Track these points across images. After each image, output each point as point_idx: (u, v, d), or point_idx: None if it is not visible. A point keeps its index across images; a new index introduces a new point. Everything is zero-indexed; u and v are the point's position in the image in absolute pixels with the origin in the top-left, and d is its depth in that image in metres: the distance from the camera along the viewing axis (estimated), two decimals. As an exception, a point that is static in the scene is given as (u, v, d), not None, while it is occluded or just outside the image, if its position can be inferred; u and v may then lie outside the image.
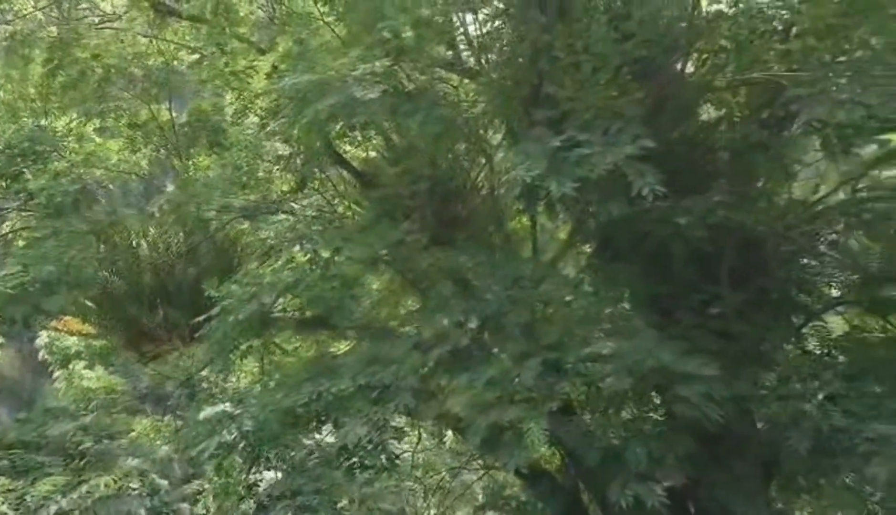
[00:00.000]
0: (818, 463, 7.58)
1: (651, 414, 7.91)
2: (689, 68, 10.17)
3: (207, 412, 8.14)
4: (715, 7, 9.52)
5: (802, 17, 8.53)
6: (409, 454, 12.29)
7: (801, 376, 8.01)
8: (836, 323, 9.83)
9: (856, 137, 7.08)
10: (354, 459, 7.69)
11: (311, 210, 10.04)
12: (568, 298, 9.37)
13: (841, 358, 8.67)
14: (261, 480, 11.32)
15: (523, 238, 10.64)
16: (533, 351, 7.55)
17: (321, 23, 8.55)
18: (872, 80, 6.97)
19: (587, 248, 10.75)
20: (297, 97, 7.66)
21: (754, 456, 8.02)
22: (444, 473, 13.09)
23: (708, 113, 11.08)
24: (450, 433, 12.26)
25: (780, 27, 9.23)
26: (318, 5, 8.43)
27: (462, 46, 10.38)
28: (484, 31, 10.08)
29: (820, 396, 7.62)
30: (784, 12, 9.03)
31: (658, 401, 7.88)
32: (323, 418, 8.19)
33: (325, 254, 8.62)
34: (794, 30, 9.20)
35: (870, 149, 8.00)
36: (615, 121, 7.76)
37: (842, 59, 7.73)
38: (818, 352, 9.11)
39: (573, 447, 7.54)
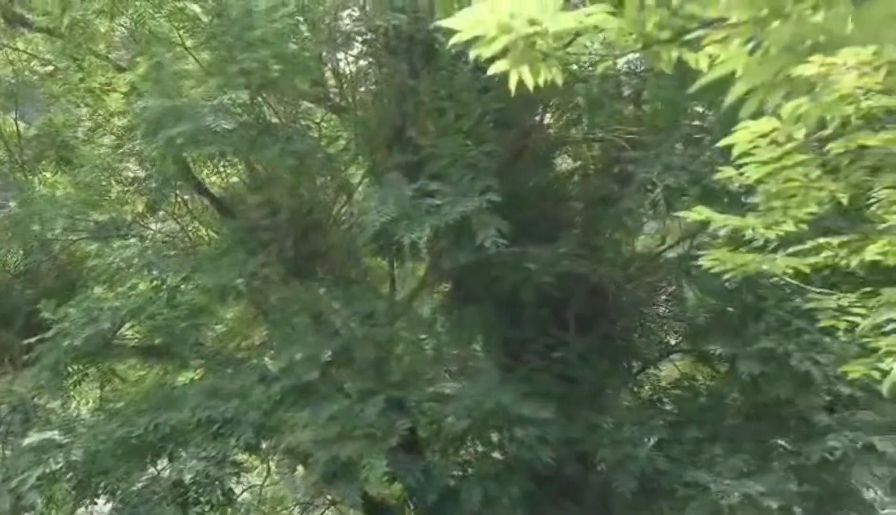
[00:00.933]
0: (643, 505, 7.96)
1: (490, 455, 8.11)
2: (548, 120, 10.70)
3: (33, 439, 7.72)
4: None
5: (650, 87, 9.18)
6: (258, 488, 12.01)
7: (633, 421, 8.43)
8: (670, 371, 10.45)
9: (680, 200, 7.62)
10: (189, 494, 7.48)
11: (163, 235, 9.78)
12: (421, 337, 9.56)
13: (668, 407, 9.17)
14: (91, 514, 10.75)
15: (381, 276, 10.74)
16: (379, 388, 7.63)
17: (182, 48, 8.44)
18: (700, 150, 7.56)
19: (443, 288, 10.98)
20: (151, 120, 7.52)
21: (586, 497, 8.35)
22: (292, 508, 12.85)
23: (563, 165, 11.67)
24: (300, 468, 12.08)
25: (629, 93, 9.89)
26: (180, 31, 8.32)
27: (330, 83, 10.49)
28: (353, 69, 10.25)
29: (648, 441, 8.04)
30: (634, 80, 9.70)
31: (497, 442, 8.10)
32: (160, 450, 7.94)
33: (174, 281, 8.42)
34: (642, 96, 9.88)
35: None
36: (468, 172, 8.03)
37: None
38: (650, 399, 9.63)
39: (412, 485, 7.62)
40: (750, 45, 2.00)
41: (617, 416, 8.58)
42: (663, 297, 11.08)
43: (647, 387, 10.09)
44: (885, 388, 3.36)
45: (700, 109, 8.47)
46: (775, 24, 1.89)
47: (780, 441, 8.41)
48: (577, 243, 9.72)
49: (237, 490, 9.94)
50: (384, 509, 9.41)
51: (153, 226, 10.02)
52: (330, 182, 10.11)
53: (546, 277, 8.70)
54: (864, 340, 3.66)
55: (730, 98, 2.18)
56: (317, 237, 10.56)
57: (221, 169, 10.39)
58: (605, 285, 9.81)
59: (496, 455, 8.05)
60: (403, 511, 8.81)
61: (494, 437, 8.00)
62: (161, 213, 10.09)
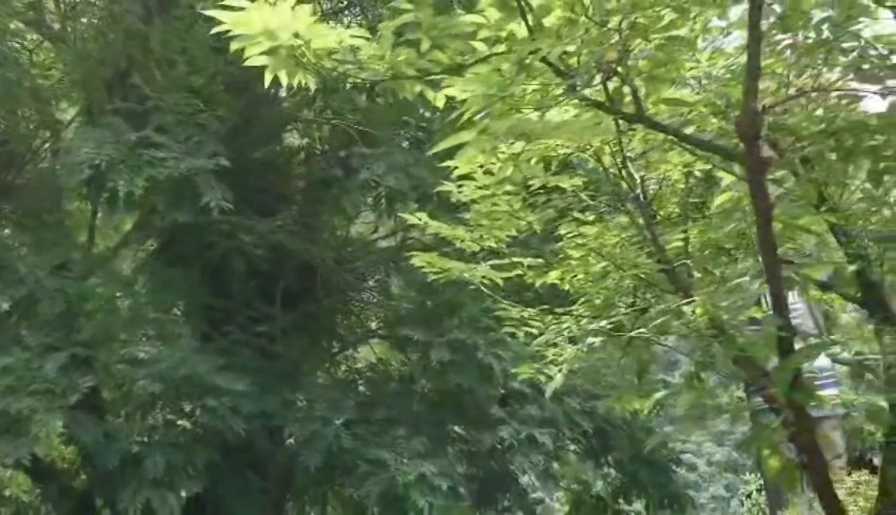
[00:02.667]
0: (325, 480, 8.30)
1: (178, 423, 7.95)
2: (282, 93, 10.63)
3: None
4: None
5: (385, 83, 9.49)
6: None
7: (326, 399, 8.72)
8: (367, 354, 10.95)
9: (398, 201, 8.05)
10: None
11: None
12: (118, 295, 9.07)
13: (361, 388, 9.62)
14: None
15: (81, 223, 10.00)
16: (64, 344, 7.15)
17: None
18: (422, 154, 8.03)
19: (149, 246, 10.49)
20: None
21: (272, 470, 8.51)
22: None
23: (292, 141, 11.68)
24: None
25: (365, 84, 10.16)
26: None
27: (49, 7, 9.55)
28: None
29: (339, 419, 8.38)
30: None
31: (188, 411, 7.96)
32: None
33: None
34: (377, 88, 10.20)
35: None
36: (196, 132, 7.80)
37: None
38: (345, 379, 10.03)
39: (92, 448, 7.25)
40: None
41: (312, 393, 8.81)
42: (371, 283, 11.56)
43: (343, 368, 10.47)
44: (548, 392, 3.91)
45: (428, 114, 8.95)
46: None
47: (458, 429, 9.22)
48: (294, 220, 9.83)
49: None
50: (51, 472, 8.83)
51: None
52: (35, 114, 9.21)
53: (258, 250, 8.70)
54: (537, 348, 4.22)
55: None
56: (9, 170, 9.59)
57: None
58: (317, 265, 10.02)
59: (185, 423, 7.90)
60: (76, 476, 8.33)
61: (186, 406, 7.85)
62: None
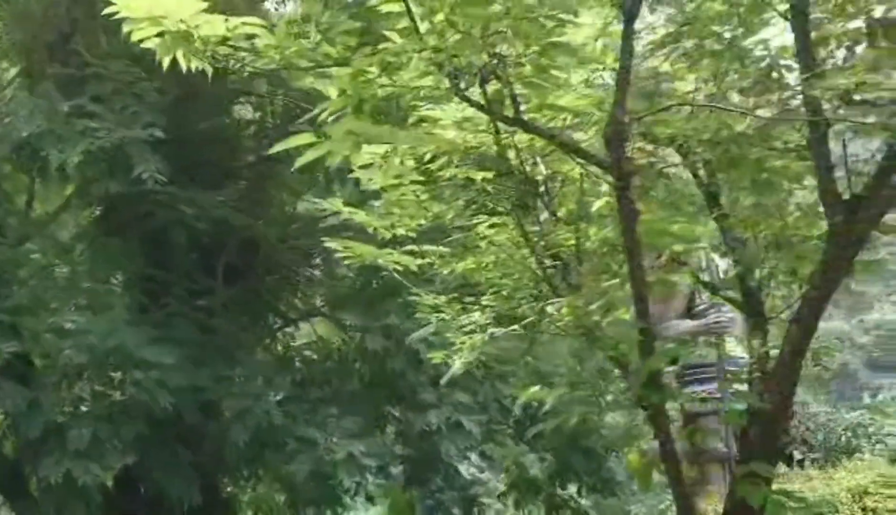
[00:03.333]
0: (255, 456, 8.33)
1: (107, 394, 7.91)
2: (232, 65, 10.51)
3: None
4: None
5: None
6: None
7: (262, 376, 8.75)
8: (308, 332, 10.96)
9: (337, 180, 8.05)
10: None
11: None
12: (55, 262, 8.97)
13: (298, 366, 9.64)
14: None
15: (20, 187, 9.83)
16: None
17: None
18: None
19: (90, 214, 10.36)
20: None
21: (203, 445, 8.50)
22: None
23: (243, 113, 11.57)
24: None
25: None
26: None
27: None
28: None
29: (273, 396, 8.41)
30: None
31: (117, 383, 7.92)
32: None
33: None
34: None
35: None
36: (134, 103, 7.71)
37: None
38: (283, 356, 10.05)
39: (15, 416, 7.20)
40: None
41: (247, 369, 8.82)
42: (316, 261, 11.54)
43: (281, 345, 10.48)
44: (443, 379, 4.02)
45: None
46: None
47: (392, 411, 9.31)
48: (240, 195, 9.77)
49: None
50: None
51: None
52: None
53: (200, 223, 8.65)
54: (448, 335, 4.31)
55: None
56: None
57: None
58: (261, 240, 9.99)
59: (114, 395, 7.86)
60: (2, 445, 8.26)
61: (115, 378, 7.81)
62: None
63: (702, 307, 7.19)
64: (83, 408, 7.69)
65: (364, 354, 9.10)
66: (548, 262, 3.12)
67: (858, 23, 2.82)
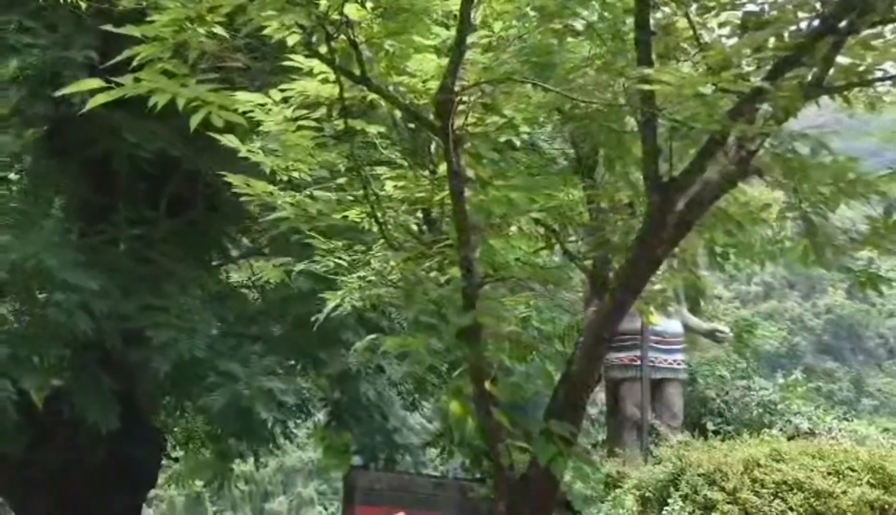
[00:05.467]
0: (175, 386, 8.46)
1: (31, 314, 7.96)
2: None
3: None
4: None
5: None
6: None
7: (192, 310, 8.81)
8: (245, 270, 11.05)
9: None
10: None
11: None
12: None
13: (230, 303, 9.73)
14: None
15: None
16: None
17: None
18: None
19: (35, 133, 10.27)
20: None
21: (125, 371, 8.59)
22: None
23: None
24: None
25: None
26: None
27: None
28: None
29: (197, 330, 8.49)
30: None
31: (42, 303, 7.97)
32: None
33: None
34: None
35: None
36: (71, 22, 7.61)
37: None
38: (218, 293, 10.13)
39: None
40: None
41: (176, 302, 8.88)
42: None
43: (217, 281, 10.54)
44: (319, 317, 4.19)
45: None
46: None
47: (318, 353, 9.45)
48: (185, 127, 9.72)
49: None
50: None
51: None
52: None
53: (144, 152, 8.62)
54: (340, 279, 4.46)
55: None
56: None
57: None
58: (208, 175, 9.97)
59: (39, 314, 7.91)
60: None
61: (41, 298, 7.86)
62: None
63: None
64: (4, 328, 7.73)
65: (297, 295, 9.21)
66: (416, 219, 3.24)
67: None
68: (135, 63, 2.64)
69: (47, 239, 7.61)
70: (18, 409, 7.54)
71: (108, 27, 2.81)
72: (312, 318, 4.58)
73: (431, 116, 2.62)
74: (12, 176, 9.33)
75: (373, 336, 3.98)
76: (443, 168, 3.58)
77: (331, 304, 4.01)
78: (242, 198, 4.59)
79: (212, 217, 10.73)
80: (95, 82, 2.60)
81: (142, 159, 8.71)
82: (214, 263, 10.90)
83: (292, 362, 8.98)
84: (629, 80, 2.58)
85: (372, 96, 3.29)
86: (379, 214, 3.19)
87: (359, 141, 3.65)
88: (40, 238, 7.58)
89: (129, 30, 2.51)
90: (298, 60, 2.90)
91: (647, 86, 2.33)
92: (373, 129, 3.82)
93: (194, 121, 2.81)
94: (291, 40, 2.70)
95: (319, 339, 9.16)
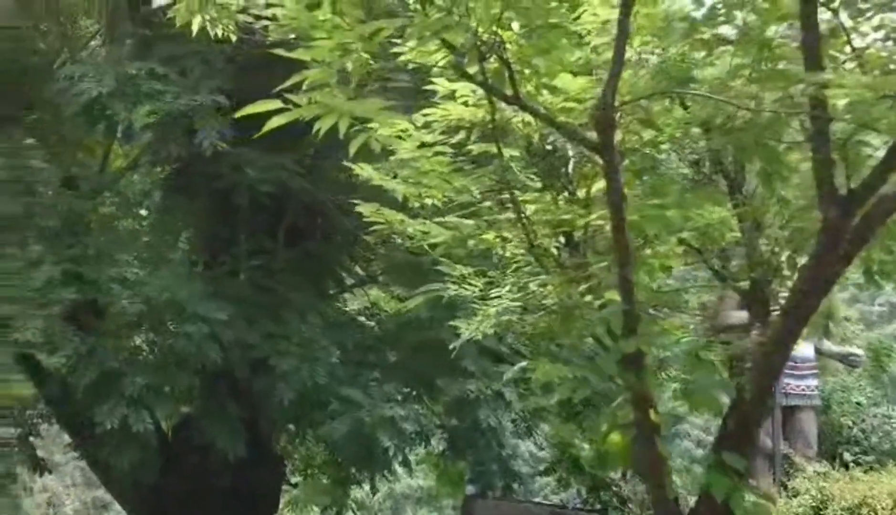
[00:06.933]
0: (298, 413, 8.59)
1: (162, 345, 8.26)
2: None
3: None
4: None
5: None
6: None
7: (312, 338, 8.96)
8: (362, 298, 11.18)
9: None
10: None
11: None
12: (123, 216, 9.37)
13: (349, 331, 9.84)
14: None
15: (98, 142, 10.26)
16: (57, 258, 7.48)
17: None
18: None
19: (161, 171, 10.75)
20: None
21: (251, 399, 8.80)
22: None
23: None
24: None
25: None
26: None
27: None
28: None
29: (319, 358, 8.63)
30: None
31: (172, 334, 8.26)
32: None
33: None
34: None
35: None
36: (202, 67, 7.94)
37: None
38: (336, 321, 10.26)
39: (74, 360, 7.60)
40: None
41: (300, 330, 9.06)
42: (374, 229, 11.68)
43: (336, 309, 10.70)
44: (454, 344, 4.12)
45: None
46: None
47: (435, 379, 9.43)
48: (306, 160, 9.98)
49: None
50: (47, 376, 9.24)
51: None
52: (56, 29, 9.42)
53: (263, 186, 8.89)
54: (473, 305, 4.40)
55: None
56: (30, 86, 9.83)
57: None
58: (323, 206, 10.20)
59: (169, 344, 8.21)
60: (65, 383, 8.70)
61: (169, 330, 8.15)
62: None
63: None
64: (138, 357, 8.05)
65: (414, 322, 9.25)
66: (557, 242, 3.15)
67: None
68: (304, 86, 2.67)
69: (177, 272, 7.91)
70: (154, 437, 7.83)
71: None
72: (451, 346, 4.48)
73: (585, 134, 2.54)
74: (142, 212, 9.76)
75: (521, 364, 3.86)
76: (581, 190, 3.48)
77: (468, 332, 3.94)
78: (373, 228, 4.64)
79: (327, 246, 10.97)
80: (274, 103, 2.65)
81: (261, 192, 8.96)
82: (331, 292, 11.09)
83: (408, 389, 8.98)
84: (799, 85, 2.42)
85: (508, 118, 3.23)
86: (530, 237, 3.11)
87: (497, 165, 3.60)
88: (171, 271, 7.90)
89: (300, 54, 2.53)
90: (443, 84, 2.88)
91: (823, 92, 2.18)
92: (508, 153, 3.77)
93: (354, 145, 2.82)
94: (436, 63, 2.67)
95: (437, 366, 9.16)
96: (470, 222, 4.05)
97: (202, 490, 9.37)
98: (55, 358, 8.02)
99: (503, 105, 3.08)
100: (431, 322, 8.64)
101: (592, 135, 2.42)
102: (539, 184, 3.87)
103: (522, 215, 3.17)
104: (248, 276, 9.36)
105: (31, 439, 9.00)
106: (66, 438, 10.44)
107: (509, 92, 2.53)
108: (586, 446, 11.80)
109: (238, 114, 2.83)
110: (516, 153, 3.81)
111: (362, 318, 10.37)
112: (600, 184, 2.98)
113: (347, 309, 10.63)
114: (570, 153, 3.60)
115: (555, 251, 3.37)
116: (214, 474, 9.10)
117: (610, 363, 2.40)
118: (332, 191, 10.46)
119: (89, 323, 8.08)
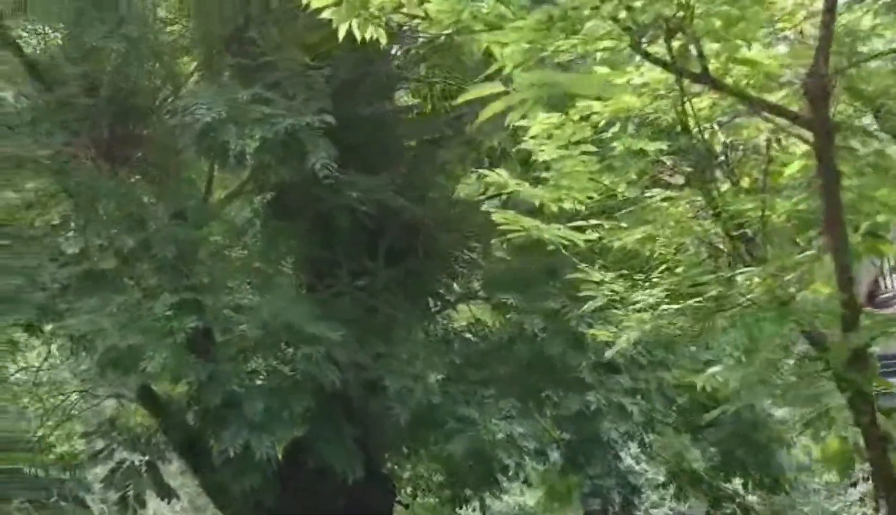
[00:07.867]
0: (415, 434, 8.49)
1: (279, 368, 8.31)
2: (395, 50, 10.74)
3: None
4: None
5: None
6: (34, 370, 11.52)
7: (421, 356, 8.88)
8: (466, 314, 11.04)
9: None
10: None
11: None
12: (230, 244, 9.50)
13: (456, 347, 9.72)
14: None
15: (199, 174, 10.47)
16: (174, 288, 7.59)
17: None
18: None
19: (263, 198, 10.89)
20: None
21: (366, 420, 8.76)
22: (69, 394, 12.43)
23: (403, 100, 11.80)
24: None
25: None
26: None
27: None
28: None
29: (431, 376, 8.53)
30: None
31: (288, 358, 8.29)
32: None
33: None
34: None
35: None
36: (304, 91, 7.99)
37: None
38: (442, 337, 10.17)
39: (200, 385, 7.69)
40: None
41: (406, 349, 8.99)
42: (473, 244, 11.59)
43: (440, 326, 10.60)
44: (608, 352, 3.89)
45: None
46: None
47: (549, 392, 9.20)
48: (401, 179, 9.97)
49: (11, 369, 9.58)
50: (166, 404, 9.41)
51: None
52: (159, 68, 9.66)
53: (365, 206, 8.89)
54: (616, 312, 4.16)
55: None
56: (136, 123, 10.11)
57: (40, 29, 9.62)
58: (421, 223, 10.15)
59: (284, 369, 8.24)
60: (186, 413, 8.84)
61: (287, 352, 8.18)
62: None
63: (887, 295, 6.62)
64: (256, 382, 8.09)
65: (522, 336, 9.06)
66: (732, 235, 2.92)
67: None
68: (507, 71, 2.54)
69: (287, 296, 7.94)
70: (274, 460, 7.84)
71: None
72: (607, 354, 4.27)
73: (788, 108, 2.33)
74: (247, 239, 9.88)
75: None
76: (748, 179, 3.24)
77: (620, 343, 3.72)
78: (472, 244, 4.46)
79: (427, 264, 10.90)
80: (496, 86, 2.51)
81: (362, 213, 8.95)
82: (433, 309, 11.01)
83: (522, 404, 8.76)
84: None
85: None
86: (727, 228, 2.89)
87: (645, 160, 3.40)
88: (282, 295, 7.92)
89: (489, 39, 2.40)
90: (615, 72, 2.69)
91: None
92: (652, 147, 3.56)
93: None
94: (602, 49, 2.50)
95: (553, 379, 8.94)
96: (623, 224, 3.84)
97: (317, 513, 9.36)
98: (180, 387, 8.13)
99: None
100: (543, 334, 8.44)
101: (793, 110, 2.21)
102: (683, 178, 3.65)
103: (718, 204, 2.94)
104: (352, 297, 9.34)
105: (160, 465, 9.16)
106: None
107: (696, 70, 2.35)
108: (700, 457, 11.36)
109: (460, 100, 2.70)
110: (664, 146, 3.59)
111: (468, 335, 10.21)
112: (792, 168, 2.75)
113: (451, 326, 10.49)
114: (722, 142, 3.37)
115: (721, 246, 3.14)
116: (329, 496, 9.08)
117: (833, 360, 2.17)
118: (428, 209, 10.43)
119: (205, 351, 8.19)
